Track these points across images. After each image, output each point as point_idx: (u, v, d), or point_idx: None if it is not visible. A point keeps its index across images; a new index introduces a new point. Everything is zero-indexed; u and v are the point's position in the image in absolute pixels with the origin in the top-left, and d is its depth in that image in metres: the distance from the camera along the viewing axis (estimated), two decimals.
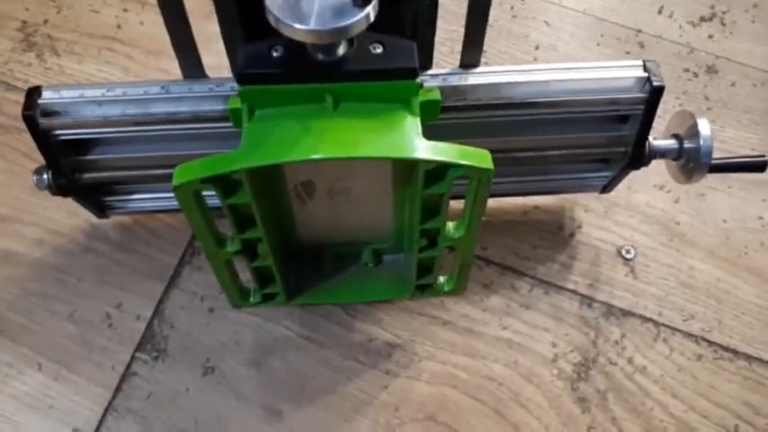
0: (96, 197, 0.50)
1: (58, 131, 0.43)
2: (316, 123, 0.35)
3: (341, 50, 0.35)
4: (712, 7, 0.68)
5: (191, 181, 0.34)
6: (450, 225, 0.42)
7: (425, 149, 0.35)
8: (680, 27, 0.67)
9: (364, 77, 0.35)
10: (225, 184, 0.35)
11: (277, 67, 0.34)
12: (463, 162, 0.35)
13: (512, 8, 0.67)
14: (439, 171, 0.36)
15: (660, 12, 0.67)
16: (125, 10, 0.65)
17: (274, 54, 0.34)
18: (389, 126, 0.35)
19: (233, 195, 0.36)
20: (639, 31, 0.66)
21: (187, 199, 0.36)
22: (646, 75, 0.44)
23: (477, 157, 0.36)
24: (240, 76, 0.34)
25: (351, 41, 0.35)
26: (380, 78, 0.35)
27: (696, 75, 0.64)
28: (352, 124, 0.35)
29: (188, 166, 0.34)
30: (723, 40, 0.66)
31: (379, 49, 0.35)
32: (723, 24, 0.67)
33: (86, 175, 0.47)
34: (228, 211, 0.37)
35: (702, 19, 0.67)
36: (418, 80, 0.35)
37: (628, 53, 0.65)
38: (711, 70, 0.65)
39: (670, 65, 0.65)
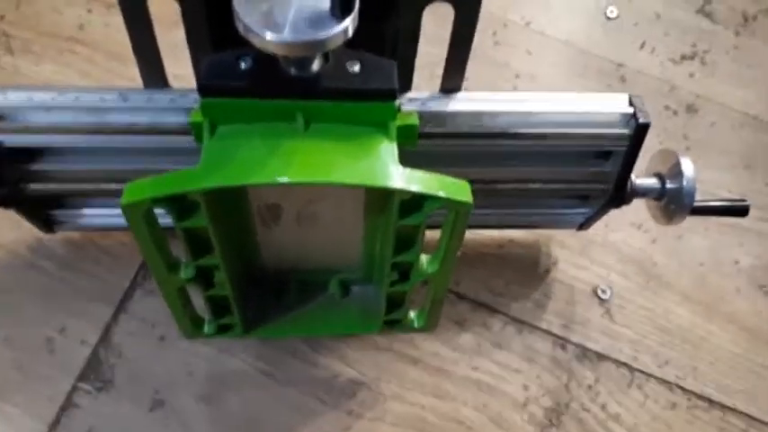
0: (42, 210, 0.46)
1: (1, 137, 0.40)
2: (284, 144, 0.32)
3: (315, 66, 0.32)
4: (694, 45, 0.67)
5: (141, 200, 0.31)
6: (424, 259, 0.39)
7: (402, 178, 0.32)
8: (661, 63, 0.66)
9: (339, 96, 0.32)
10: (180, 205, 0.32)
11: (244, 79, 0.31)
12: (442, 194, 0.32)
13: (494, 34, 0.66)
14: (415, 201, 0.34)
15: (642, 47, 0.67)
16: (89, 11, 0.62)
17: (242, 65, 0.32)
18: (364, 151, 0.33)
19: (188, 218, 0.33)
20: (621, 64, 0.65)
21: (136, 220, 0.32)
22: (631, 110, 0.43)
23: (457, 188, 0.33)
24: (202, 87, 0.31)
25: (326, 57, 0.32)
26: (357, 98, 0.32)
27: (676, 112, 0.64)
28: (323, 147, 0.32)
29: (139, 184, 0.31)
30: (704, 79, 0.66)
31: (357, 67, 0.32)
32: (704, 64, 0.67)
33: (32, 186, 0.43)
34: (183, 235, 0.34)
35: (684, 57, 0.67)
36: (396, 103, 0.33)
37: (609, 86, 0.64)
38: (691, 109, 0.64)
39: (651, 101, 0.63)
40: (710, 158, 0.62)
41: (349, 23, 0.29)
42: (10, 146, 0.40)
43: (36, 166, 0.42)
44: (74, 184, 0.44)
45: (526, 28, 0.66)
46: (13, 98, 0.40)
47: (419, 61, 0.41)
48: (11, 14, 0.61)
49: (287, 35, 0.28)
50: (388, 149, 0.33)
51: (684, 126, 0.63)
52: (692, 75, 0.66)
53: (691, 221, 0.57)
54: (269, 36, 0.28)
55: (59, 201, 0.47)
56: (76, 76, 0.58)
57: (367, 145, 0.33)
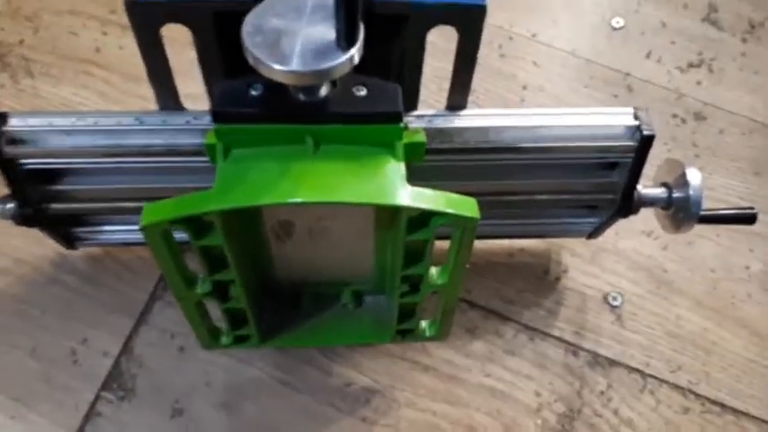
0: (64, 228, 0.48)
1: (25, 161, 0.42)
2: (294, 165, 0.33)
3: (323, 91, 0.33)
4: (700, 54, 0.68)
5: (160, 221, 0.32)
6: (434, 271, 0.40)
7: (409, 196, 0.33)
8: (668, 72, 0.66)
9: (347, 120, 0.33)
10: (196, 225, 0.34)
11: (255, 106, 0.33)
12: (448, 210, 0.33)
13: (500, 47, 0.66)
14: (422, 218, 0.35)
15: (648, 56, 0.67)
16: (105, 33, 0.64)
17: (253, 92, 0.33)
18: (372, 171, 0.34)
19: (205, 237, 0.34)
20: (628, 74, 0.66)
21: (155, 239, 0.34)
22: (636, 123, 0.43)
23: (463, 205, 0.34)
24: (216, 114, 0.33)
25: (333, 82, 0.34)
26: (364, 121, 0.33)
27: (684, 121, 0.64)
28: (332, 167, 0.33)
29: (157, 206, 0.33)
30: (711, 86, 0.66)
31: (363, 92, 0.33)
32: (711, 71, 0.67)
33: (54, 206, 0.45)
34: (200, 252, 0.36)
35: (691, 65, 0.67)
36: (402, 123, 0.34)
37: (616, 96, 0.64)
38: (699, 117, 0.64)
39: (658, 110, 0.64)
40: (720, 165, 0.62)
41: (354, 52, 0.30)
42: (32, 168, 0.42)
43: (57, 187, 0.44)
44: (93, 203, 0.45)
45: (532, 40, 0.67)
46: (35, 123, 0.41)
47: (428, 75, 0.42)
48: (30, 39, 0.63)
49: (295, 65, 0.30)
50: (395, 168, 0.34)
51: (693, 134, 0.63)
52: (699, 83, 0.66)
53: (701, 228, 0.57)
54: (278, 67, 0.30)
55: (80, 219, 0.48)
56: (93, 96, 0.60)
57: (374, 165, 0.34)
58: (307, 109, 0.33)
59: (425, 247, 0.37)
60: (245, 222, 0.39)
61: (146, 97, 0.59)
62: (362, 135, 0.34)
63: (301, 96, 0.33)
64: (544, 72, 0.65)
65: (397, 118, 0.33)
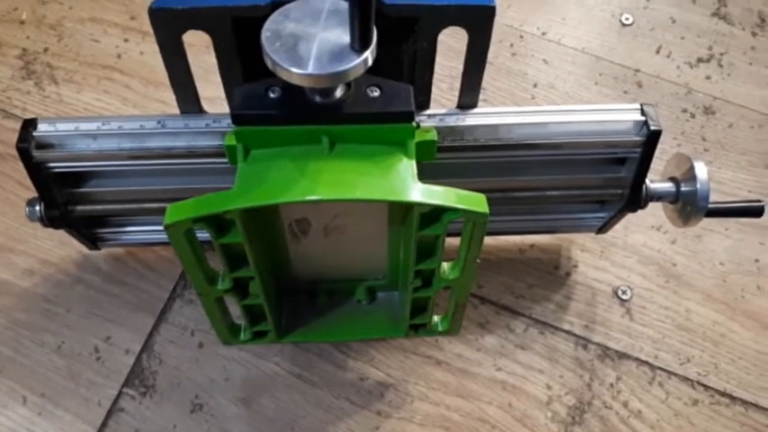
0: (89, 229, 0.49)
1: (52, 164, 0.43)
2: (311, 165, 0.34)
3: (338, 93, 0.35)
4: (710, 48, 0.68)
5: (183, 220, 0.34)
6: (446, 266, 0.41)
7: (420, 193, 0.35)
8: (678, 67, 0.67)
9: (361, 120, 0.35)
10: (217, 223, 0.35)
11: (273, 108, 0.34)
12: (459, 206, 0.35)
13: (511, 45, 0.67)
14: (434, 214, 0.36)
15: (658, 52, 0.68)
16: (126, 40, 0.66)
17: (271, 95, 0.34)
18: (385, 168, 0.35)
19: (225, 235, 0.36)
20: (638, 70, 0.67)
21: (178, 238, 0.35)
22: (643, 119, 0.44)
23: (473, 201, 0.35)
24: (236, 117, 0.34)
25: (348, 84, 0.35)
26: (377, 121, 0.35)
27: (693, 115, 0.65)
28: (347, 166, 0.35)
29: (180, 206, 0.34)
30: (721, 81, 0.67)
31: (377, 93, 0.35)
32: (721, 66, 0.67)
33: (79, 208, 0.47)
34: (220, 250, 0.37)
35: (700, 60, 0.68)
36: (414, 123, 0.35)
37: (626, 92, 0.65)
38: (709, 111, 0.65)
39: (668, 105, 0.65)
40: (729, 159, 0.62)
41: (368, 55, 0.32)
42: (59, 171, 0.44)
43: (83, 190, 0.46)
44: (117, 204, 0.47)
45: (542, 38, 0.68)
46: (62, 128, 0.43)
47: (439, 74, 0.43)
48: (54, 47, 0.65)
49: (311, 69, 0.31)
50: (408, 166, 0.35)
51: (702, 128, 0.64)
52: (708, 77, 0.67)
53: (710, 222, 0.58)
54: (295, 70, 0.31)
55: (104, 220, 0.50)
56: (115, 101, 0.62)
57: (388, 163, 0.35)
58: (323, 110, 0.34)
59: (437, 242, 0.38)
60: (264, 221, 0.40)
61: (166, 101, 0.61)
62: (376, 134, 0.35)
63: (317, 98, 0.34)
64: (554, 69, 0.66)
65: (409, 117, 0.35)
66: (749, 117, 0.65)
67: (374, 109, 0.34)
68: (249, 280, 0.40)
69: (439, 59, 0.41)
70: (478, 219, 0.36)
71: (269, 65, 0.32)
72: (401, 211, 0.41)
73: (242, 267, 0.39)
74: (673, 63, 0.67)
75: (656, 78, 0.66)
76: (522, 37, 0.68)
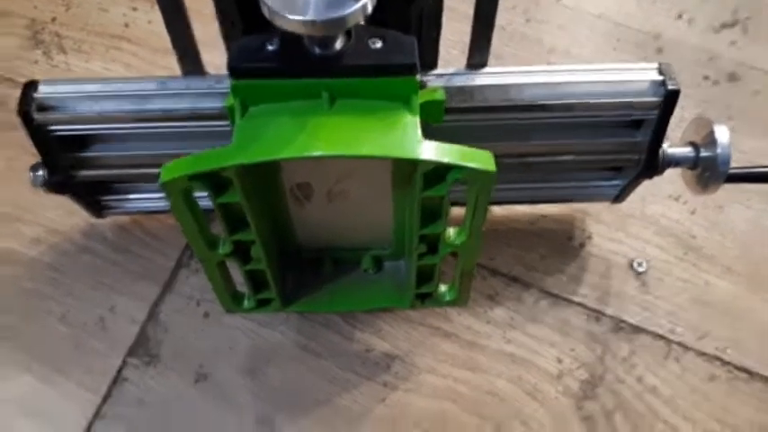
0: (93, 196, 0.49)
1: (54, 127, 0.43)
2: (310, 120, 0.33)
3: (338, 44, 0.33)
4: (735, 13, 0.65)
5: (178, 178, 0.33)
6: (452, 231, 0.40)
7: (424, 150, 0.33)
8: (700, 33, 0.64)
9: (362, 73, 0.33)
10: (215, 182, 0.34)
11: (271, 60, 0.33)
12: (463, 164, 0.33)
13: (525, 12, 0.65)
14: (438, 173, 0.35)
15: (680, 17, 0.65)
16: (134, 9, 0.65)
17: (269, 47, 0.33)
18: (387, 125, 0.34)
19: (223, 194, 0.35)
20: (658, 36, 0.64)
21: (176, 197, 0.34)
22: (661, 78, 0.42)
23: (479, 158, 0.34)
24: (233, 70, 0.33)
25: (349, 36, 0.34)
26: (378, 74, 0.33)
27: (717, 82, 0.62)
28: (348, 122, 0.33)
29: (176, 164, 0.33)
30: (746, 46, 0.64)
31: (379, 44, 0.33)
32: (746, 31, 0.64)
33: (83, 173, 0.46)
34: (219, 211, 0.36)
35: (724, 25, 0.65)
36: (419, 77, 0.34)
37: (645, 59, 0.63)
38: (733, 78, 0.62)
39: (690, 72, 0.62)
40: (755, 127, 0.60)
41: (367, 1, 0.30)
42: (61, 135, 0.43)
43: (86, 154, 0.45)
44: (120, 169, 0.46)
45: (558, 3, 0.66)
46: (63, 90, 0.42)
47: (452, 39, 0.41)
48: (62, 16, 0.64)
49: (309, 15, 0.30)
50: (412, 123, 0.34)
51: (726, 95, 0.61)
52: (733, 43, 0.64)
53: (732, 192, 0.56)
54: (292, 17, 0.30)
55: (108, 186, 0.49)
56: (122, 70, 0.62)
57: (390, 119, 0.34)
58: (322, 62, 0.33)
59: (441, 204, 0.37)
60: (264, 182, 0.39)
61: (171, 68, 0.60)
62: (378, 88, 0.34)
63: (317, 50, 0.33)
64: (571, 36, 0.64)
65: (412, 70, 0.33)
66: None
67: (375, 61, 0.33)
68: (251, 244, 0.39)
69: (450, 24, 0.40)
70: (485, 178, 0.34)
71: (266, 13, 0.31)
72: (405, 174, 0.39)
73: (242, 230, 0.38)
74: (695, 28, 0.65)
75: (678, 44, 0.64)
76: (537, 2, 0.66)
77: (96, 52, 0.63)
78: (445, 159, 0.33)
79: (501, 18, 0.40)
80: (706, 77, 0.62)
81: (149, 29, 0.64)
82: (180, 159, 0.33)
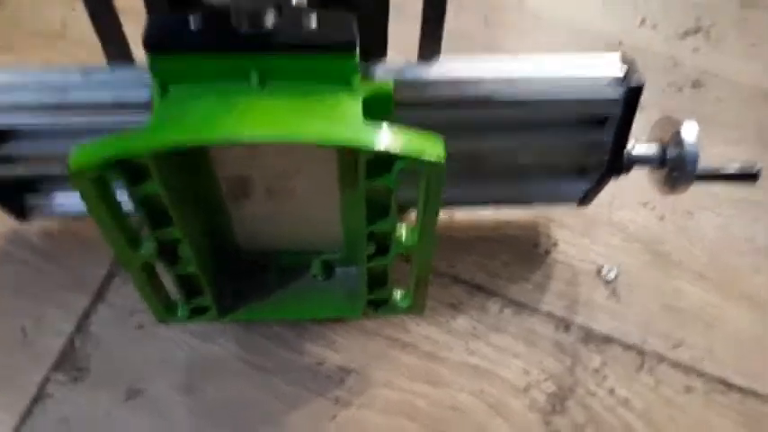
0: (15, 196, 0.45)
1: None
2: (238, 102, 0.30)
3: (268, 21, 0.30)
4: (698, 20, 0.64)
5: (88, 166, 0.29)
6: (403, 230, 0.37)
7: (365, 135, 0.30)
8: (664, 40, 0.63)
9: (295, 50, 0.30)
10: (130, 170, 0.30)
11: (193, 34, 0.30)
12: (409, 152, 0.30)
13: (486, 16, 0.63)
14: (385, 162, 0.31)
15: (643, 23, 0.64)
16: (73, 9, 0.61)
17: (192, 22, 0.30)
18: (324, 108, 0.31)
19: (140, 183, 0.31)
20: (620, 42, 0.63)
21: (87, 188, 0.30)
22: (623, 73, 0.40)
23: (428, 144, 0.31)
24: (149, 43, 0.30)
25: (280, 11, 0.31)
26: (314, 52, 0.30)
27: (681, 89, 0.61)
28: (280, 104, 0.30)
29: (85, 148, 0.29)
30: (709, 53, 0.63)
31: (314, 21, 0.30)
32: (709, 38, 0.63)
33: (0, 170, 0.42)
34: (138, 204, 0.32)
35: (687, 32, 0.64)
36: (356, 55, 0.31)
37: None
38: (698, 84, 0.61)
39: (654, 78, 0.61)
40: (720, 134, 0.58)
41: None
42: None
43: (3, 150, 0.41)
44: (42, 165, 0.42)
45: (519, 8, 0.64)
46: None
47: (407, 37, 0.39)
48: None
49: None
50: (351, 106, 0.31)
51: (691, 102, 0.60)
52: (696, 50, 0.63)
53: (701, 197, 0.54)
54: None
55: (31, 185, 0.45)
56: None
57: (328, 102, 0.31)
58: (250, 39, 0.30)
59: (389, 197, 0.34)
60: (193, 173, 0.36)
61: None
62: (314, 68, 0.31)
63: (245, 26, 0.30)
64: (532, 41, 0.62)
65: (350, 47, 0.30)
66: (739, 90, 0.61)
67: (309, 38, 0.30)
68: (177, 243, 0.35)
69: (408, 21, 0.37)
70: (434, 169, 0.31)
71: None
72: (352, 167, 0.36)
73: (166, 227, 0.34)
74: (659, 35, 0.63)
75: (641, 51, 0.62)
76: (497, 7, 0.64)
77: (31, 53, 0.59)
78: (387, 147, 0.30)
79: (460, 21, 0.38)
80: (670, 84, 0.61)
81: (88, 29, 0.60)
82: (89, 144, 0.29)
